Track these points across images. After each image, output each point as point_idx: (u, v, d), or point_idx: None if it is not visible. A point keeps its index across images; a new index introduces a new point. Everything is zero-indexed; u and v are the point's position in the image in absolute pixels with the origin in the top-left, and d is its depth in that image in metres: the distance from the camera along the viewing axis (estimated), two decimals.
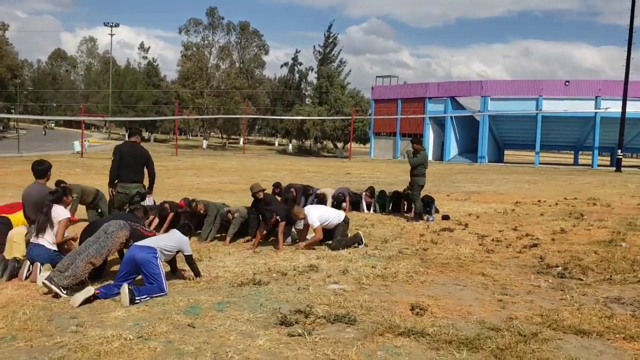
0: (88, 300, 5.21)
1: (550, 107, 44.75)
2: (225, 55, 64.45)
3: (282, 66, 75.66)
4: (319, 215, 8.29)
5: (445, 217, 11.36)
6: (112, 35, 73.83)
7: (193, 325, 4.68)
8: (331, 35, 68.40)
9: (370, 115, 56.80)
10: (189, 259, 6.06)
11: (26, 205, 6.55)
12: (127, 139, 8.59)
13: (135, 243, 5.80)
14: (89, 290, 5.28)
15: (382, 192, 12.79)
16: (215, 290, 5.79)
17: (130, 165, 7.95)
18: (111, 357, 3.97)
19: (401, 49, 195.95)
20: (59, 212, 6.27)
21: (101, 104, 71.57)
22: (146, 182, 8.21)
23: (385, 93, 55.65)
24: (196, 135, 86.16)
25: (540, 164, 45.18)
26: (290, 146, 67.59)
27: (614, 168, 34.55)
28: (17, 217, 6.82)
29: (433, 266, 7.13)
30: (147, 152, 8.27)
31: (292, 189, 12.14)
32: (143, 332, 4.46)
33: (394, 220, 11.18)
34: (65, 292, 5.36)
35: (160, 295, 5.44)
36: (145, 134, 74.60)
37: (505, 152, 56.79)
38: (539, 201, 14.58)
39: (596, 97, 43.77)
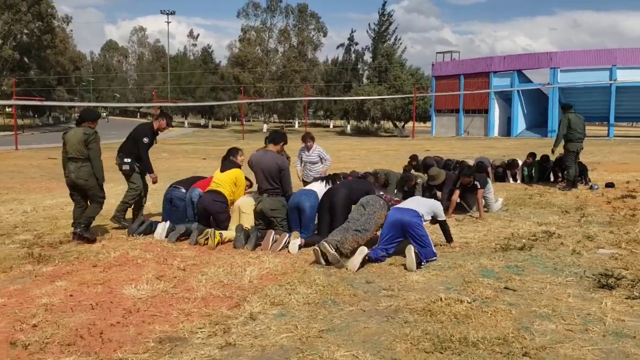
0: (362, 264, 4.97)
1: (626, 76, 42.54)
2: (285, 38, 63.82)
3: (338, 47, 74.58)
4: None
5: (610, 185, 10.74)
6: (168, 22, 74.91)
7: (512, 288, 4.37)
8: (385, 12, 66.92)
9: (431, 92, 55.51)
10: (444, 224, 5.74)
11: (257, 173, 6.33)
12: None
13: (395, 206, 5.52)
14: (363, 250, 5.03)
15: (523, 162, 12.18)
16: (483, 254, 5.48)
17: None
18: (476, 319, 3.70)
19: (443, 26, 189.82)
20: None
21: (157, 90, 72.22)
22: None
23: (446, 69, 54.16)
24: (249, 120, 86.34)
25: (614, 136, 43.16)
26: (349, 127, 66.91)
27: None
28: (238, 193, 6.57)
29: None
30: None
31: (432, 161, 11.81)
32: (474, 296, 4.17)
33: (553, 190, 10.62)
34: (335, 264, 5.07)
35: (433, 260, 5.16)
36: (202, 121, 75.18)
37: None
38: None
39: None
